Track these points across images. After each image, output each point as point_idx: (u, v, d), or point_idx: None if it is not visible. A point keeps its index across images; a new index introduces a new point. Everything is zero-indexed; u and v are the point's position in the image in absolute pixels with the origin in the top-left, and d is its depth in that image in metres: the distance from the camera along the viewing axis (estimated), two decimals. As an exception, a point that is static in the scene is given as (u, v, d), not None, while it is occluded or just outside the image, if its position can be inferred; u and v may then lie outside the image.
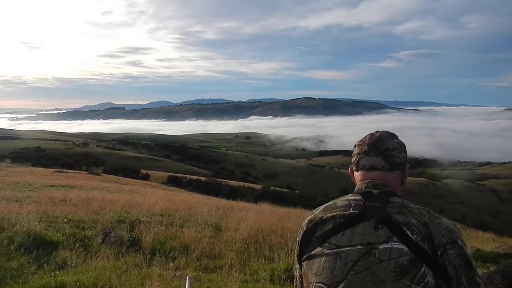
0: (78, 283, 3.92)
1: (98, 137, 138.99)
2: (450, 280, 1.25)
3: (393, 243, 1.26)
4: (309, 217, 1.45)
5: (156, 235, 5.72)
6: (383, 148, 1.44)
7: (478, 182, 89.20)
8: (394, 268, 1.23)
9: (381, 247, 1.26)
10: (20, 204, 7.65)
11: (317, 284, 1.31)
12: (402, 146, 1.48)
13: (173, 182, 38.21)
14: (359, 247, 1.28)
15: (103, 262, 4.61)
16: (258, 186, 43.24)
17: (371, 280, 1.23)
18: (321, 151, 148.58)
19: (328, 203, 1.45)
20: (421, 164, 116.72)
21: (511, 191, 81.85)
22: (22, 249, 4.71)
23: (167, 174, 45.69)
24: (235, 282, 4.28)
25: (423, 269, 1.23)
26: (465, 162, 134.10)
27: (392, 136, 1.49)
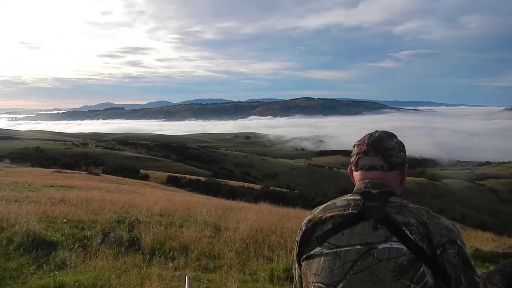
0: (77, 283, 3.92)
1: (97, 137, 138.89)
2: (449, 280, 1.25)
3: (392, 243, 1.26)
4: (308, 217, 1.45)
5: (155, 235, 5.72)
6: (382, 148, 1.44)
7: (478, 182, 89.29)
8: (393, 267, 1.23)
9: (380, 247, 1.26)
10: (19, 204, 7.64)
11: (316, 284, 1.31)
12: (401, 146, 1.48)
13: (173, 182, 38.19)
14: (358, 247, 1.28)
15: (103, 262, 4.60)
16: (257, 186, 43.24)
17: (370, 280, 1.23)
18: (320, 151, 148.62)
19: (327, 203, 1.45)
20: (421, 164, 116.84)
21: (510, 191, 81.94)
22: (21, 249, 4.71)
23: (167, 174, 45.67)
24: (234, 282, 4.28)
25: (422, 268, 1.23)
26: (464, 162, 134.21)
27: (391, 136, 1.49)
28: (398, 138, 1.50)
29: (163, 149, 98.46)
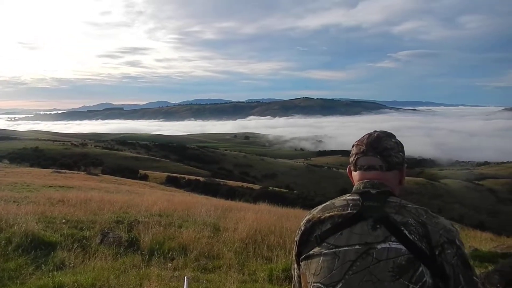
0: (76, 284, 3.91)
1: (96, 138, 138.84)
2: (448, 280, 1.25)
3: (391, 243, 1.26)
4: (307, 217, 1.45)
5: (154, 235, 5.72)
6: (381, 148, 1.44)
7: (476, 182, 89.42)
8: (392, 267, 1.23)
9: (379, 247, 1.26)
10: (18, 205, 7.63)
11: (315, 284, 1.31)
12: (400, 146, 1.48)
13: (172, 182, 38.19)
14: (357, 247, 1.28)
15: (101, 263, 4.60)
16: (256, 186, 43.24)
17: (369, 280, 1.23)
18: (319, 151, 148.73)
19: (326, 203, 1.45)
20: (420, 164, 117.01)
21: (509, 191, 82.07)
22: (20, 250, 4.70)
23: (166, 174, 45.66)
24: (233, 282, 4.28)
25: (421, 268, 1.23)
26: (463, 162, 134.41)
27: (390, 136, 1.49)
28: (397, 138, 1.50)
29: (162, 149, 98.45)
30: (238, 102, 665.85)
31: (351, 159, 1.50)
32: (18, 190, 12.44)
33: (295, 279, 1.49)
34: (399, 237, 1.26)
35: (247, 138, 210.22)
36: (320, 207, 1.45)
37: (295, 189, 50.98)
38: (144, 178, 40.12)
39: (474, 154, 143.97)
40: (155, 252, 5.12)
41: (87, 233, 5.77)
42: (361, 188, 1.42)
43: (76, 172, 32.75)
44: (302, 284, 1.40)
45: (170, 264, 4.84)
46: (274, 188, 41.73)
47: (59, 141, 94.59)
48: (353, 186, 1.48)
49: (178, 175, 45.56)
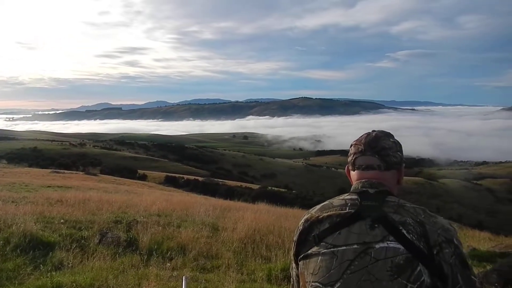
0: (74, 284, 3.90)
1: (95, 138, 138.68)
2: (446, 279, 1.25)
3: (389, 242, 1.26)
4: (305, 217, 1.45)
5: (153, 235, 5.71)
6: (379, 147, 1.44)
7: (475, 181, 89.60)
8: (390, 267, 1.23)
9: (377, 246, 1.26)
10: (16, 205, 7.62)
11: (313, 284, 1.31)
12: (398, 145, 1.48)
13: (171, 182, 38.17)
14: (355, 246, 1.28)
15: (100, 263, 4.59)
16: (255, 186, 43.25)
17: (367, 279, 1.24)
18: (318, 151, 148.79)
19: (325, 203, 1.45)
20: (418, 163, 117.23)
21: (507, 190, 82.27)
22: (18, 250, 4.69)
23: (164, 174, 45.63)
24: (232, 282, 4.28)
25: (419, 268, 1.23)
26: (461, 161, 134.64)
27: (388, 135, 1.49)
28: (395, 137, 1.50)
29: (161, 149, 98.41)
30: (237, 102, 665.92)
31: (349, 158, 1.51)
32: (17, 190, 12.41)
33: (294, 278, 1.49)
34: (397, 237, 1.26)
35: (245, 138, 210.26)
36: (318, 206, 1.45)
37: (294, 189, 51.03)
38: (143, 178, 40.10)
39: (473, 153, 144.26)
40: (154, 252, 5.12)
41: (86, 233, 5.76)
42: (359, 187, 1.42)
43: (75, 172, 32.72)
44: (301, 284, 1.40)
45: (168, 264, 4.83)
46: (273, 188, 41.76)
47: (57, 141, 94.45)
48: (351, 185, 1.48)
49: (177, 175, 45.54)
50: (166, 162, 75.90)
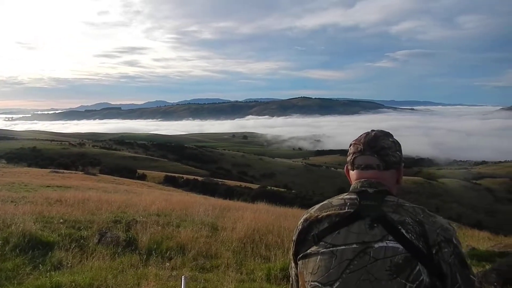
0: (73, 284, 3.90)
1: (94, 137, 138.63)
2: (445, 279, 1.25)
3: (388, 241, 1.26)
4: (304, 216, 1.45)
5: (152, 235, 5.71)
6: (378, 147, 1.44)
7: (474, 181, 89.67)
8: (389, 266, 1.23)
9: (376, 245, 1.26)
10: (15, 205, 7.61)
11: (312, 283, 1.31)
12: (397, 145, 1.48)
13: (170, 182, 38.18)
14: (354, 246, 1.28)
15: (99, 263, 4.59)
16: (255, 186, 43.27)
17: (367, 278, 1.24)
18: (317, 150, 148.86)
19: (324, 202, 1.45)
20: (417, 163, 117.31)
21: (506, 190, 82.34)
22: (17, 250, 4.68)
23: (164, 174, 45.63)
24: (231, 282, 4.28)
25: (418, 267, 1.23)
26: (461, 161, 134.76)
27: (387, 135, 1.49)
28: (395, 137, 1.50)
29: (160, 149, 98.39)
30: (236, 101, 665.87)
31: (349, 158, 1.51)
32: (16, 190, 12.40)
33: (293, 278, 1.50)
34: (396, 236, 1.26)
35: (245, 138, 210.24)
36: (317, 206, 1.45)
37: (293, 189, 51.07)
38: (142, 177, 40.10)
39: (472, 153, 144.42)
40: (153, 251, 5.11)
41: (85, 233, 5.76)
42: (358, 187, 1.42)
43: (74, 172, 32.71)
44: (300, 283, 1.40)
45: (168, 264, 4.83)
46: (272, 188, 41.79)
47: (57, 141, 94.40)
48: (350, 185, 1.48)
49: (176, 175, 45.54)
50: (165, 162, 75.89)
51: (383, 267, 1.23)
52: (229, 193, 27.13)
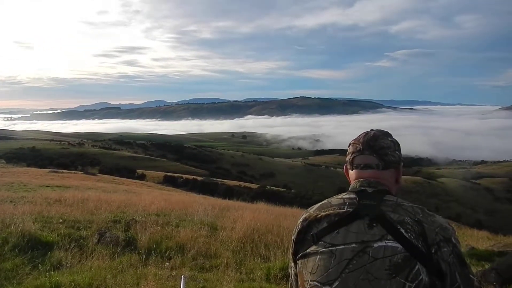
0: (73, 284, 3.90)
1: (93, 137, 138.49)
2: (444, 278, 1.25)
3: (388, 241, 1.26)
4: (304, 216, 1.45)
5: (151, 235, 5.71)
6: (377, 146, 1.44)
7: (473, 180, 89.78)
8: (389, 266, 1.23)
9: (375, 245, 1.26)
10: (14, 205, 7.61)
11: (311, 282, 1.31)
12: (396, 144, 1.48)
13: (169, 181, 38.18)
14: (353, 245, 1.29)
15: (99, 262, 4.59)
16: (254, 186, 43.30)
17: (366, 278, 1.24)
18: (317, 150, 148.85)
19: (323, 202, 1.45)
20: (417, 163, 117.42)
21: (505, 189, 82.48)
22: (16, 250, 4.68)
23: (163, 173, 45.63)
24: (231, 281, 4.28)
25: (417, 266, 1.23)
26: (460, 161, 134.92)
27: (386, 134, 1.49)
28: (394, 137, 1.50)
29: (160, 149, 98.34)
30: (236, 101, 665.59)
31: (348, 157, 1.51)
32: (15, 190, 12.40)
33: (292, 277, 1.50)
34: (396, 236, 1.26)
35: (244, 138, 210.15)
36: (316, 205, 1.45)
37: (292, 188, 51.11)
38: (142, 177, 40.11)
39: (471, 153, 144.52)
40: (153, 251, 5.11)
41: (84, 232, 5.76)
42: (357, 186, 1.42)
43: (73, 171, 32.70)
44: (299, 283, 1.40)
45: (167, 264, 4.83)
46: (271, 187, 41.82)
47: (56, 140, 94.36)
48: (350, 184, 1.48)
49: (176, 175, 45.54)
50: (164, 162, 75.87)
51: (382, 267, 1.23)
52: (228, 193, 27.14)
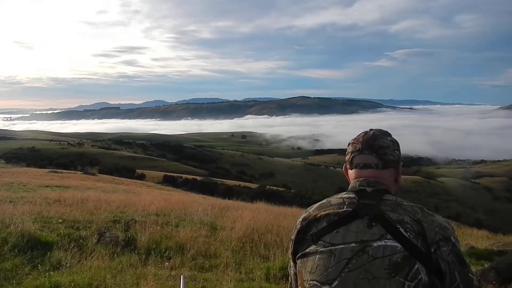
0: (72, 284, 3.90)
1: (93, 137, 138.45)
2: (443, 277, 1.25)
3: (387, 240, 1.26)
4: (303, 215, 1.45)
5: (151, 234, 5.71)
6: (376, 146, 1.44)
7: (473, 180, 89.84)
8: (388, 265, 1.23)
9: (374, 244, 1.26)
10: (14, 205, 7.60)
11: (311, 282, 1.31)
12: (395, 144, 1.48)
13: (169, 181, 38.17)
14: (353, 245, 1.28)
15: (98, 262, 4.59)
16: (254, 185, 43.30)
17: (365, 277, 1.24)
18: (316, 150, 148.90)
19: (322, 201, 1.45)
20: (416, 162, 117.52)
21: (505, 189, 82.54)
22: (16, 250, 4.68)
23: (163, 173, 45.62)
24: (230, 281, 4.28)
25: (416, 266, 1.23)
26: (460, 160, 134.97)
27: (386, 134, 1.49)
28: (394, 136, 1.50)
29: (159, 149, 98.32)
30: (235, 101, 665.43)
31: (347, 157, 1.51)
32: (15, 190, 12.39)
33: (292, 277, 1.50)
34: (395, 235, 1.26)
35: (244, 137, 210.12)
36: (316, 205, 1.45)
37: (292, 188, 51.11)
38: (141, 177, 40.10)
39: (471, 152, 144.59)
40: (152, 251, 5.11)
41: (84, 232, 5.76)
42: (357, 186, 1.42)
43: (73, 171, 32.69)
44: (299, 282, 1.40)
45: (167, 263, 4.83)
46: (271, 187, 41.82)
47: (55, 140, 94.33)
48: (349, 184, 1.48)
49: (175, 175, 45.53)
50: (164, 162, 75.87)
51: (381, 266, 1.23)
52: (228, 193, 27.14)
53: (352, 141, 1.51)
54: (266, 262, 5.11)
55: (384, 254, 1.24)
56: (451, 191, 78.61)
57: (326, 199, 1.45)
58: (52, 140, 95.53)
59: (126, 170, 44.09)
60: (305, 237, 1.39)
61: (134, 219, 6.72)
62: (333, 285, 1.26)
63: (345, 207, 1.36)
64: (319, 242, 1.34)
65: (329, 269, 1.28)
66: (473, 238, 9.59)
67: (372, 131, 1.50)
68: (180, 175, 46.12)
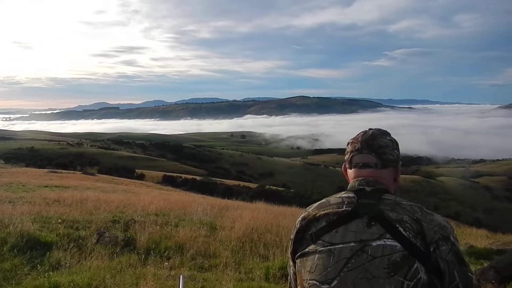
0: (72, 284, 3.90)
1: (92, 137, 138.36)
2: (442, 276, 1.25)
3: (386, 240, 1.26)
4: (302, 215, 1.45)
5: (150, 234, 5.71)
6: (375, 145, 1.44)
7: (472, 179, 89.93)
8: (387, 264, 1.23)
9: (374, 244, 1.26)
10: (13, 205, 7.60)
11: (310, 281, 1.31)
12: (394, 143, 1.48)
13: (168, 181, 38.15)
14: (352, 244, 1.28)
15: (98, 262, 4.59)
16: (253, 185, 43.30)
17: (364, 277, 1.24)
18: (316, 149, 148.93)
19: (322, 201, 1.45)
20: (416, 161, 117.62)
21: (504, 188, 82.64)
22: (15, 250, 4.67)
23: (162, 173, 45.60)
24: (230, 281, 4.28)
25: (415, 265, 1.23)
26: (459, 159, 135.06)
27: (385, 133, 1.49)
28: (393, 136, 1.50)
29: (159, 149, 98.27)
30: (235, 101, 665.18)
31: (346, 156, 1.51)
32: (14, 190, 12.38)
33: (291, 276, 1.50)
34: (394, 234, 1.26)
35: (243, 137, 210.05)
36: (315, 204, 1.45)
37: (291, 188, 51.11)
38: (141, 177, 40.08)
39: (470, 151, 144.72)
40: (152, 251, 5.11)
41: (83, 232, 5.75)
42: (356, 185, 1.42)
43: (72, 171, 32.65)
44: (298, 282, 1.40)
45: (166, 263, 4.83)
46: (270, 187, 41.83)
47: (54, 140, 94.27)
48: (348, 183, 1.48)
49: (175, 174, 45.52)
50: (164, 162, 75.83)
51: (381, 265, 1.23)
52: (227, 193, 27.15)
53: (351, 141, 1.51)
54: (265, 261, 5.11)
55: (384, 254, 1.24)
56: (451, 190, 78.69)
57: (326, 198, 1.45)
58: (51, 140, 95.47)
59: (125, 170, 44.07)
60: (304, 236, 1.39)
61: (133, 219, 6.72)
62: (332, 285, 1.26)
63: (344, 206, 1.36)
64: (319, 241, 1.34)
65: (329, 269, 1.28)
66: (472, 237, 9.60)
67: (371, 131, 1.50)
68: (179, 175, 46.11)
